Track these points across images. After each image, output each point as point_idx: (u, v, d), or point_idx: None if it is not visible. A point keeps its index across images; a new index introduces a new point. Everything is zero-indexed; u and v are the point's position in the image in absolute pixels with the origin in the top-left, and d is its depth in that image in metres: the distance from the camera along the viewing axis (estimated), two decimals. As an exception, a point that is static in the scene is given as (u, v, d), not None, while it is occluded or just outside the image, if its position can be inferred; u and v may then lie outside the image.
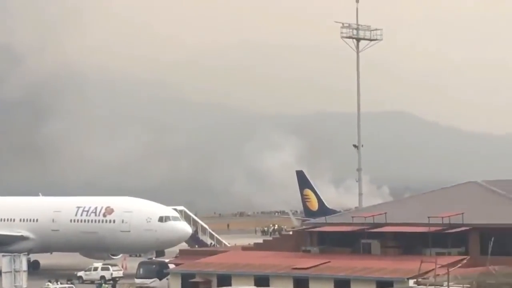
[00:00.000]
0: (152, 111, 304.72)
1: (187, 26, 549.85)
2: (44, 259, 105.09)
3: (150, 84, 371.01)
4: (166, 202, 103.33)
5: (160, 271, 77.72)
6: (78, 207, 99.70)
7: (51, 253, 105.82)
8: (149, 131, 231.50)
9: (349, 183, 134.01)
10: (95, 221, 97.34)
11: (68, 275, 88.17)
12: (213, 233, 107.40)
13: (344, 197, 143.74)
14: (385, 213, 68.50)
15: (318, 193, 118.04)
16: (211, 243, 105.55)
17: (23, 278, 60.15)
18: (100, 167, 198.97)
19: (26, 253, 74.69)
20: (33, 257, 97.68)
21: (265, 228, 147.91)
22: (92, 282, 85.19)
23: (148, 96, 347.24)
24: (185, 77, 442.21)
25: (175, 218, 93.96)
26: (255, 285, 64.10)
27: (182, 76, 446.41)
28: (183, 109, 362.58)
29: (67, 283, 78.82)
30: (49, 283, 76.98)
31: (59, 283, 77.97)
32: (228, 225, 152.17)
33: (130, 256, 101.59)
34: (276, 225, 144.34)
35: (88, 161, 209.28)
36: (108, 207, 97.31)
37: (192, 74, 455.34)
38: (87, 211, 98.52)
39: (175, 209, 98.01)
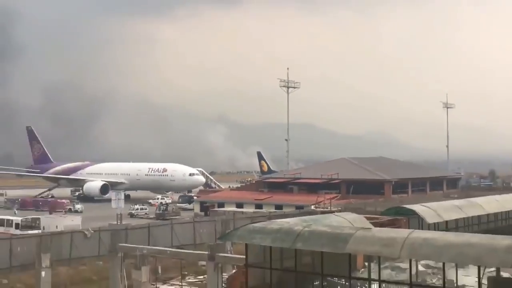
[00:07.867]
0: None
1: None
2: (132, 194, 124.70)
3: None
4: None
5: (190, 200, 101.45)
6: (149, 168, 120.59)
7: (136, 191, 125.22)
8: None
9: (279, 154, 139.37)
10: (158, 175, 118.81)
11: (143, 201, 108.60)
12: (216, 182, 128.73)
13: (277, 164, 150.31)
14: (300, 173, 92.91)
15: (268, 162, 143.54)
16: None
17: (122, 202, 71.22)
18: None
19: (123, 190, 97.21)
20: (127, 192, 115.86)
21: (243, 180, 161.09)
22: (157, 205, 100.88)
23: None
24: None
25: (197, 174, 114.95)
26: (236, 207, 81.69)
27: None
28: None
29: (143, 206, 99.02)
30: (134, 205, 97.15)
31: (139, 205, 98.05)
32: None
33: (175, 192, 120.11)
34: (251, 179, 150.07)
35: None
36: (164, 168, 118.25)
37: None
38: (154, 170, 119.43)
39: (198, 169, 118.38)
